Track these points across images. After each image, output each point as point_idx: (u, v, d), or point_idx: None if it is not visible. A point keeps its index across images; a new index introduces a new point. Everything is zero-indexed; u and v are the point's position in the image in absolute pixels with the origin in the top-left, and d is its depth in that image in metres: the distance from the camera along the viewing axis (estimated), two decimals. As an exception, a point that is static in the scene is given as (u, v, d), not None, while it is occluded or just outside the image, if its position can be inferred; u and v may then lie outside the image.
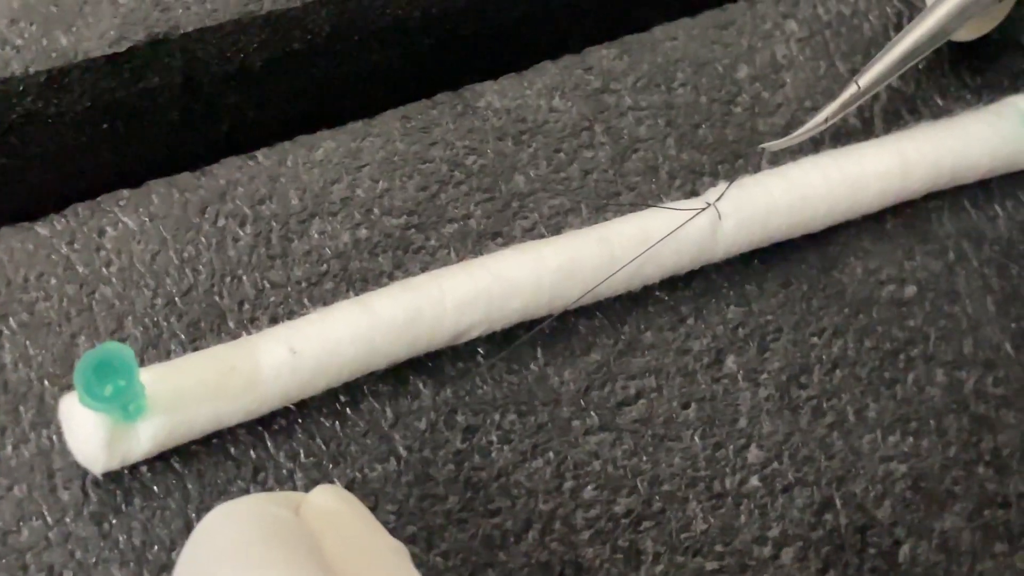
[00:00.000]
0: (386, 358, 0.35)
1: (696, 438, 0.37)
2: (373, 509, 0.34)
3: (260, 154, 0.38)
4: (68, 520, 0.33)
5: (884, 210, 0.41)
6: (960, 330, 0.40)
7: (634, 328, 0.38)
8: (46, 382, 0.34)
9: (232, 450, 0.34)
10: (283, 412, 0.35)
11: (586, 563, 0.35)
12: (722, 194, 0.38)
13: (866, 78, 0.39)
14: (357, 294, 0.36)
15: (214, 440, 0.34)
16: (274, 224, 0.37)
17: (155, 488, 0.33)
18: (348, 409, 0.35)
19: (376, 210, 0.38)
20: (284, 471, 0.34)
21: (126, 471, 0.33)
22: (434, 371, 0.36)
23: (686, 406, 0.38)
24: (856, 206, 0.40)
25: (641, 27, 0.43)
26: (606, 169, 0.40)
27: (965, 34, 0.42)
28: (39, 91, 0.37)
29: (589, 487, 0.36)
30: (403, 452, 0.35)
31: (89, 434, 0.32)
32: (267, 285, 0.36)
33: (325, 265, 0.37)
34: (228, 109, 0.41)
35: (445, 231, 0.38)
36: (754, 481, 0.37)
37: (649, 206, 0.38)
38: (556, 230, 0.39)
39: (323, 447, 0.35)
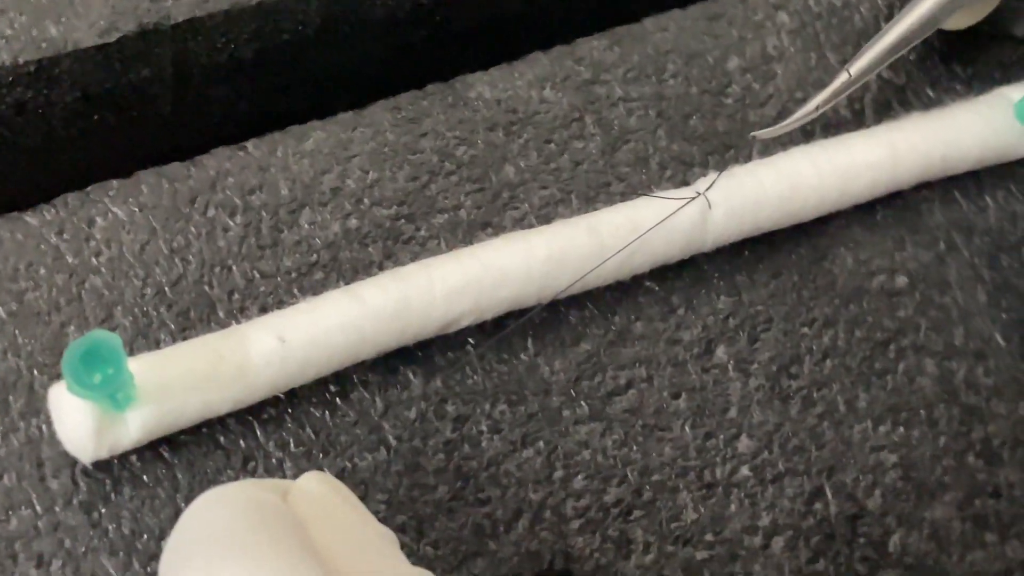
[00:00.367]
0: (376, 347, 0.35)
1: (686, 428, 0.37)
2: (363, 498, 0.34)
3: (250, 144, 0.38)
4: (57, 509, 0.33)
5: (875, 201, 0.41)
6: (951, 320, 0.40)
7: (624, 318, 0.38)
8: (35, 371, 0.34)
9: (222, 439, 0.34)
10: (273, 401, 0.35)
11: (576, 552, 0.35)
12: (712, 184, 0.38)
13: (857, 66, 0.39)
14: (347, 284, 0.36)
15: (204, 429, 0.34)
16: (264, 214, 0.37)
17: (144, 477, 0.33)
18: (338, 399, 0.35)
19: (366, 200, 0.38)
20: (274, 460, 0.34)
21: (115, 460, 0.33)
22: (424, 361, 0.36)
23: (676, 396, 0.38)
24: (846, 196, 0.40)
25: (632, 18, 0.43)
26: (596, 160, 0.40)
27: (956, 22, 0.42)
28: (29, 81, 0.37)
29: (579, 477, 0.36)
30: (393, 442, 0.35)
31: (78, 423, 0.32)
32: (257, 275, 0.36)
33: (315, 255, 0.37)
34: (219, 100, 0.41)
35: (435, 221, 0.38)
36: (744, 471, 0.37)
37: (639, 195, 0.38)
38: (546, 220, 0.39)
39: (313, 436, 0.35)
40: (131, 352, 0.34)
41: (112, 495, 0.33)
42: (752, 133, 0.39)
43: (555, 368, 0.37)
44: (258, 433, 0.35)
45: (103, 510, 0.33)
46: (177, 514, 0.33)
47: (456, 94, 0.40)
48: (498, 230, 0.38)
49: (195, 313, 0.35)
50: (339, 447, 0.35)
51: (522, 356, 0.37)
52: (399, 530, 0.34)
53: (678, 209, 0.37)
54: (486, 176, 0.39)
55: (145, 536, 0.33)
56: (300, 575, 0.23)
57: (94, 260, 0.35)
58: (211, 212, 0.37)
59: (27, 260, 0.35)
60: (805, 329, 0.39)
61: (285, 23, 0.40)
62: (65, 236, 0.35)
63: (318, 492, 0.28)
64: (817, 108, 0.39)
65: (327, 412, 0.35)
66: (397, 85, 0.40)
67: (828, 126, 0.42)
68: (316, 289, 0.36)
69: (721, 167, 0.40)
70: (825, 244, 0.40)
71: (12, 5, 0.38)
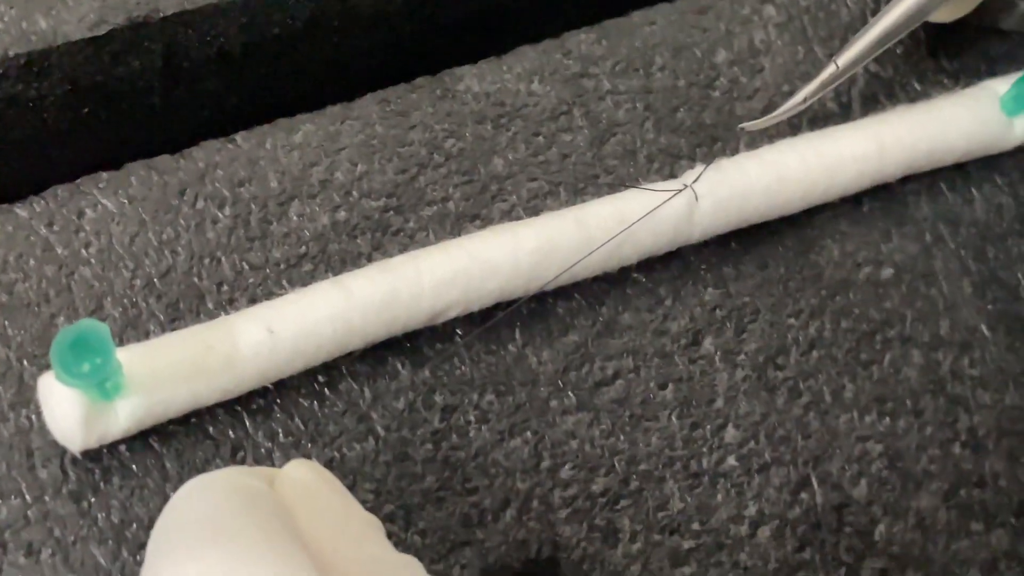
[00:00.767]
0: (364, 338, 0.35)
1: (673, 418, 0.38)
2: (351, 488, 0.34)
3: (239, 137, 0.38)
4: (47, 498, 0.33)
5: (861, 193, 0.41)
6: (937, 311, 0.41)
7: (612, 309, 0.38)
8: (25, 362, 0.34)
9: (211, 429, 0.34)
10: (261, 392, 0.35)
11: (563, 541, 0.36)
12: (699, 176, 0.38)
13: (845, 57, 0.39)
14: (336, 276, 0.36)
15: (192, 419, 0.34)
16: (253, 206, 0.37)
17: (134, 467, 0.34)
18: (326, 389, 0.36)
19: (355, 192, 0.38)
20: (262, 450, 0.35)
21: (105, 450, 0.33)
22: (412, 352, 0.36)
23: (663, 387, 0.38)
24: (833, 188, 0.40)
25: (620, 12, 0.43)
26: (584, 152, 0.40)
27: (943, 15, 0.42)
28: (19, 74, 0.37)
29: (567, 466, 0.36)
30: (381, 431, 0.36)
31: (67, 413, 0.32)
32: (246, 267, 0.36)
33: (304, 247, 0.37)
34: (208, 93, 0.41)
35: (424, 213, 0.38)
36: (731, 461, 0.38)
37: (627, 187, 0.38)
38: (534, 212, 0.39)
39: (301, 426, 0.35)
40: (120, 343, 0.35)
41: (101, 484, 0.33)
42: (740, 125, 0.39)
43: (543, 359, 0.37)
44: (247, 423, 0.35)
45: (93, 499, 0.33)
46: (164, 506, 0.33)
47: (445, 87, 0.40)
48: (486, 222, 0.39)
49: (184, 304, 0.36)
50: (327, 437, 0.35)
51: (510, 347, 0.37)
52: (387, 519, 0.34)
53: (665, 201, 0.37)
54: (474, 168, 0.39)
55: (134, 525, 0.33)
56: (284, 560, 0.23)
57: (84, 252, 0.36)
58: (200, 204, 0.37)
59: (17, 251, 0.35)
60: (792, 320, 0.39)
61: (274, 16, 0.40)
62: (55, 228, 0.36)
63: (304, 479, 0.29)
64: (805, 100, 0.39)
65: (316, 402, 0.35)
66: (386, 79, 0.40)
67: (815, 119, 0.42)
68: (305, 280, 0.36)
69: (708, 160, 0.40)
70: (812, 236, 0.41)
71: (2, -2, 0.38)
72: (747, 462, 0.38)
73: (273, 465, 0.35)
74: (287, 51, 0.41)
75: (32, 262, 0.35)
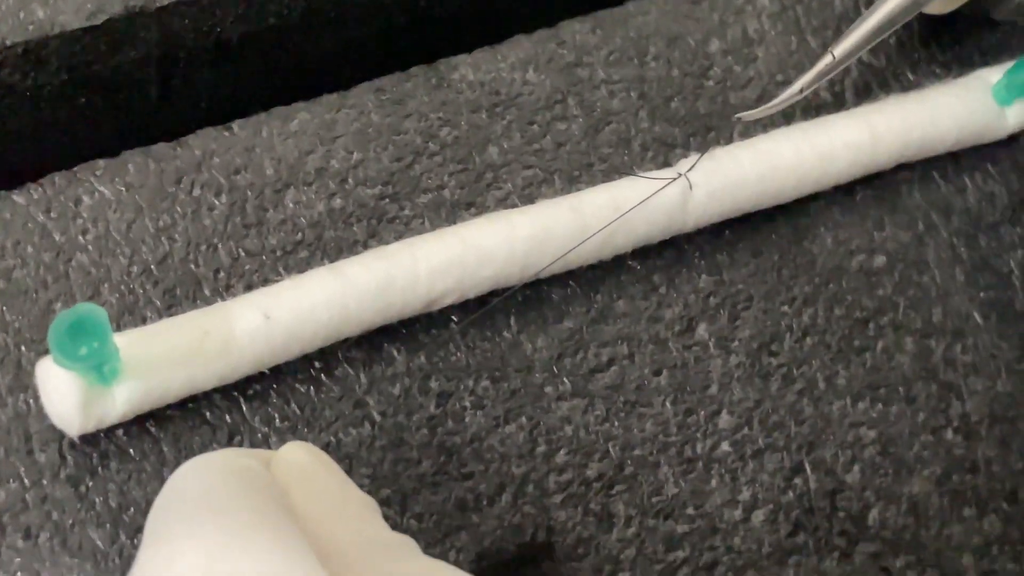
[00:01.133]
0: (360, 324, 0.35)
1: (667, 404, 0.38)
2: (348, 472, 0.34)
3: (235, 125, 0.38)
4: (45, 482, 0.33)
5: (854, 182, 0.41)
6: (929, 299, 0.41)
7: (607, 297, 0.39)
8: (23, 347, 0.34)
9: (207, 415, 0.35)
10: (258, 378, 0.35)
11: (558, 526, 0.36)
12: (693, 165, 0.38)
13: (841, 48, 0.39)
14: (332, 263, 0.36)
15: (189, 404, 0.34)
16: (249, 194, 0.37)
17: (131, 451, 0.34)
18: (323, 375, 0.36)
19: (351, 180, 0.38)
20: (259, 435, 0.35)
21: (102, 435, 0.34)
22: (408, 338, 0.37)
23: (658, 373, 0.38)
24: (826, 177, 0.40)
25: (614, 2, 0.43)
26: (579, 141, 0.40)
27: (937, 6, 0.42)
28: (16, 63, 0.38)
29: (562, 452, 0.37)
30: (377, 417, 0.36)
31: (64, 397, 0.32)
32: (242, 253, 0.37)
33: (300, 234, 0.37)
34: (205, 83, 0.42)
35: (419, 201, 0.39)
36: (725, 446, 0.38)
37: (621, 175, 0.39)
38: (529, 200, 0.39)
39: (298, 412, 0.35)
40: (118, 329, 0.35)
41: (99, 468, 0.33)
42: (736, 115, 0.39)
43: (538, 345, 0.38)
44: (244, 408, 0.35)
45: (90, 483, 0.33)
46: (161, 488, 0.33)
47: (440, 76, 0.40)
48: (481, 210, 0.39)
49: (181, 291, 0.36)
50: (324, 422, 0.35)
51: (505, 334, 0.37)
52: (383, 503, 0.35)
53: (660, 189, 0.38)
54: (470, 157, 0.39)
55: (132, 509, 0.33)
56: (278, 538, 0.23)
57: (81, 238, 0.36)
58: (197, 192, 0.37)
59: (15, 238, 0.35)
60: (785, 307, 0.40)
61: (270, 7, 0.40)
62: (52, 215, 0.36)
63: (300, 460, 0.29)
64: (801, 90, 0.39)
65: (312, 388, 0.36)
66: (382, 68, 0.40)
67: (809, 108, 0.43)
68: (301, 267, 0.37)
69: (702, 149, 0.40)
70: (805, 224, 0.41)
71: (-1, -13, 0.38)
72: (741, 448, 0.38)
73: (270, 449, 0.35)
74: (283, 41, 0.42)
75: (30, 248, 0.35)
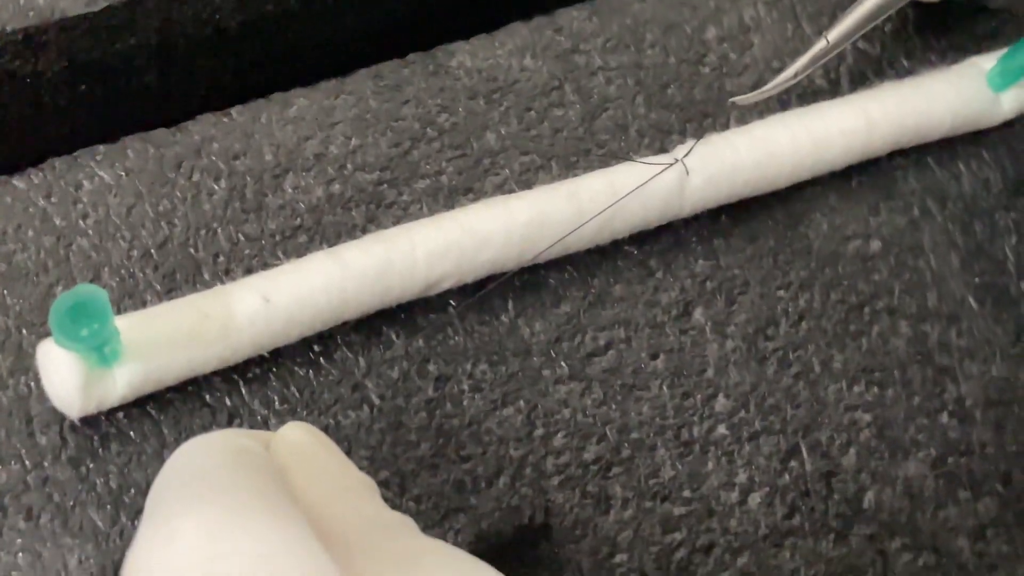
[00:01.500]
0: (358, 308, 0.36)
1: (664, 388, 0.38)
2: (347, 455, 0.35)
3: (234, 111, 0.38)
4: (46, 464, 0.33)
5: (850, 168, 0.42)
6: (924, 284, 0.41)
7: (604, 281, 0.39)
8: (24, 330, 0.34)
9: (207, 397, 0.35)
10: (257, 361, 0.35)
11: (556, 507, 0.36)
12: (689, 150, 0.39)
13: (835, 32, 0.39)
14: (330, 247, 0.37)
15: (189, 387, 0.35)
16: (248, 179, 0.38)
17: (132, 434, 0.34)
18: (322, 358, 0.36)
19: (349, 166, 0.39)
20: (258, 417, 0.35)
21: (103, 417, 0.34)
22: (406, 322, 0.37)
23: (655, 357, 0.38)
24: (821, 163, 0.41)
25: (611, -10, 0.43)
26: (576, 127, 0.41)
27: (931, -7, 0.43)
28: (16, 50, 0.38)
29: (559, 435, 0.37)
30: (376, 400, 0.36)
31: (65, 379, 0.32)
32: (241, 238, 0.37)
33: (299, 219, 0.38)
34: (204, 71, 0.42)
35: (417, 187, 0.39)
36: (721, 429, 0.38)
37: (618, 160, 0.39)
38: (527, 186, 0.39)
39: (297, 395, 0.36)
40: (118, 312, 0.35)
41: (100, 450, 0.34)
42: (731, 99, 0.40)
43: (535, 329, 0.38)
44: (243, 391, 0.35)
45: (91, 465, 0.33)
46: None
47: (437, 63, 0.41)
48: (479, 195, 0.39)
49: (181, 275, 0.36)
50: (323, 405, 0.36)
51: (503, 318, 0.38)
52: (382, 485, 0.35)
53: (656, 175, 0.38)
54: (467, 143, 0.40)
55: (132, 490, 0.33)
56: (275, 514, 0.24)
57: (81, 223, 0.36)
58: (196, 177, 0.37)
59: (15, 222, 0.36)
60: (781, 292, 0.40)
61: (269, -6, 0.41)
62: (53, 199, 0.36)
63: (299, 440, 0.29)
64: (796, 75, 0.39)
65: (311, 371, 0.36)
66: (380, 55, 0.41)
67: (804, 95, 0.43)
68: (300, 252, 0.37)
69: (699, 135, 0.41)
70: (801, 210, 0.41)
71: (-1, -26, 0.38)
72: (737, 431, 0.38)
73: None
74: (282, 29, 0.42)
75: (30, 233, 0.36)
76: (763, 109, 0.42)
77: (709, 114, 0.42)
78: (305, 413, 0.35)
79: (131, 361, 0.33)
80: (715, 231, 0.40)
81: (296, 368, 0.36)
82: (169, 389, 0.34)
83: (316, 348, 0.36)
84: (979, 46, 0.44)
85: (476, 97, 0.40)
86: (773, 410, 0.38)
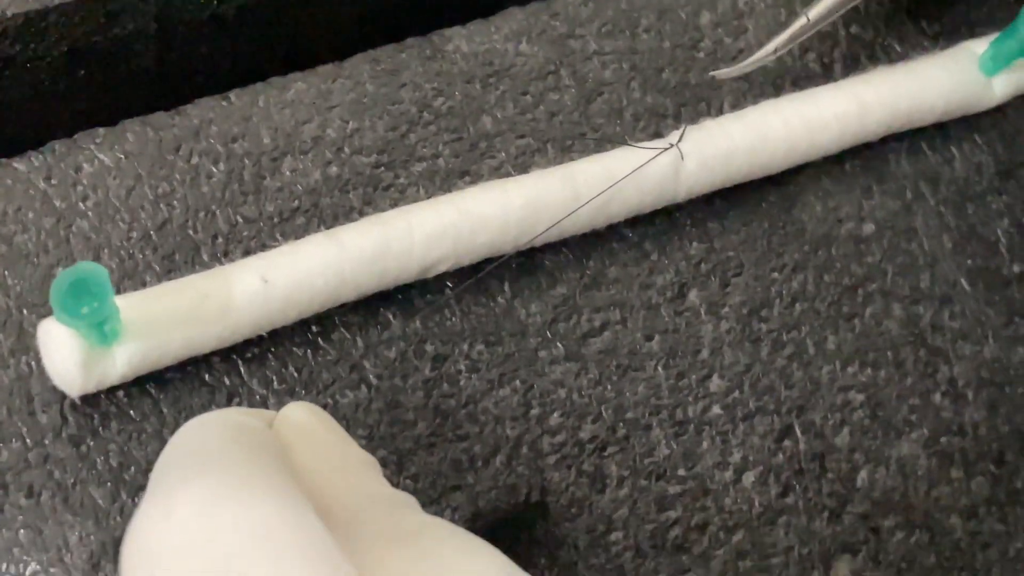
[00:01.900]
0: (356, 289, 0.36)
1: (659, 368, 0.38)
2: (344, 434, 0.35)
3: (233, 94, 0.39)
4: (47, 442, 0.34)
5: (843, 152, 0.42)
6: (917, 266, 0.41)
7: (599, 263, 0.39)
8: (24, 311, 0.35)
9: (207, 377, 0.35)
10: (256, 341, 0.36)
11: (552, 486, 0.36)
12: (682, 135, 0.39)
13: (815, 11, 0.40)
14: (328, 229, 0.37)
15: (189, 367, 0.35)
16: (247, 162, 0.38)
17: (132, 412, 0.34)
18: (320, 339, 0.36)
19: (346, 149, 0.39)
20: (257, 397, 0.35)
21: (103, 396, 0.34)
22: (404, 303, 0.37)
23: (650, 338, 0.39)
24: (815, 147, 0.41)
25: (606, -25, 0.44)
26: (572, 111, 0.41)
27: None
28: (16, 35, 0.38)
29: (555, 414, 0.37)
30: (374, 380, 0.36)
31: (66, 357, 0.32)
32: (240, 220, 0.37)
33: (296, 201, 0.38)
34: (202, 57, 0.42)
35: (414, 169, 0.39)
36: (716, 409, 0.38)
37: (613, 143, 0.39)
38: (523, 169, 0.40)
39: (295, 374, 0.36)
40: (118, 293, 0.35)
41: (100, 429, 0.34)
42: (711, 72, 0.40)
43: (531, 311, 0.38)
44: (242, 371, 0.35)
45: (91, 443, 0.34)
46: (163, 447, 0.34)
47: (434, 47, 0.41)
48: (475, 178, 0.39)
49: (180, 256, 0.36)
50: (321, 384, 0.36)
51: (499, 299, 0.38)
52: (380, 464, 0.35)
53: (651, 159, 0.38)
54: (464, 126, 0.40)
55: (132, 468, 0.34)
56: (274, 489, 0.24)
57: (81, 204, 0.36)
58: (195, 159, 0.38)
59: (16, 204, 0.36)
60: (775, 274, 0.40)
61: (267, -20, 0.41)
62: (53, 181, 0.36)
63: (302, 420, 0.29)
64: (776, 51, 0.40)
65: (309, 351, 0.36)
66: (377, 40, 0.41)
67: (797, 80, 0.43)
68: (298, 234, 0.37)
69: (693, 119, 0.41)
70: (795, 193, 0.41)
71: (0, -41, 0.38)
72: (732, 411, 0.38)
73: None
74: (280, 14, 0.42)
75: (31, 214, 0.36)
76: (757, 94, 0.42)
77: (703, 98, 0.42)
78: (303, 393, 0.36)
79: (131, 340, 0.33)
80: (709, 214, 0.41)
81: (294, 348, 0.36)
82: (169, 368, 0.35)
83: (314, 329, 0.36)
84: (971, 31, 0.45)
85: (472, 81, 0.41)
86: (767, 390, 0.39)
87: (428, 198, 0.38)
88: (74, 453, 0.34)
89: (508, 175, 0.39)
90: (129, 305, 0.33)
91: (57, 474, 0.33)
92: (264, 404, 0.35)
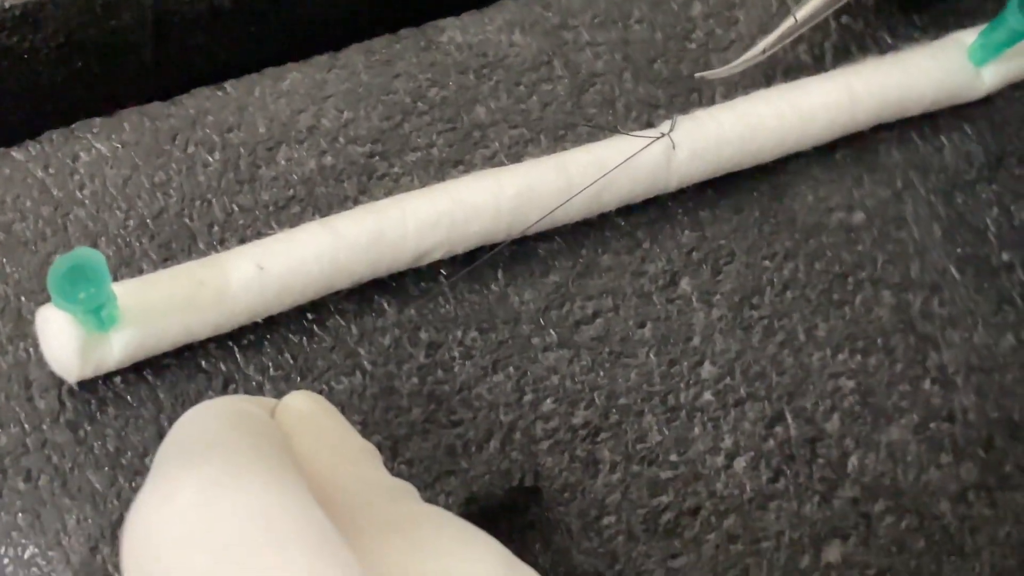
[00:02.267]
0: (350, 277, 0.36)
1: (651, 355, 0.39)
2: (340, 420, 0.36)
3: (228, 85, 0.39)
4: (45, 427, 0.34)
5: (834, 142, 0.42)
6: (907, 254, 0.42)
7: (592, 252, 0.40)
8: (23, 298, 0.35)
9: (203, 363, 0.36)
10: (252, 328, 0.36)
11: (545, 471, 0.37)
12: (673, 124, 0.39)
13: (803, 11, 0.40)
14: (323, 218, 0.37)
15: (185, 354, 0.35)
16: (242, 151, 0.38)
17: (129, 398, 0.35)
18: (315, 326, 0.37)
19: (341, 139, 0.39)
20: (253, 383, 0.36)
21: (100, 382, 0.35)
22: (398, 291, 0.38)
23: (642, 325, 0.39)
24: (805, 137, 0.41)
25: (598, -33, 0.44)
26: (564, 102, 0.41)
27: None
28: (14, 26, 0.38)
29: (548, 400, 0.38)
30: (368, 366, 0.37)
31: (64, 343, 0.33)
32: (236, 208, 0.38)
33: (292, 190, 0.38)
34: (199, 48, 0.43)
35: (408, 159, 0.40)
36: (707, 396, 0.39)
37: (605, 132, 0.40)
38: (516, 159, 0.40)
39: (291, 361, 0.36)
40: (114, 281, 0.36)
41: (97, 414, 0.34)
42: (698, 74, 0.40)
43: (525, 298, 0.39)
44: (238, 358, 0.36)
45: (89, 428, 0.34)
46: (160, 433, 0.34)
47: (428, 38, 0.41)
48: (469, 168, 0.40)
49: (176, 244, 0.37)
50: (316, 371, 0.36)
51: (493, 287, 0.38)
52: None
53: (643, 148, 0.39)
54: (457, 116, 0.40)
55: (129, 453, 0.34)
56: (274, 475, 0.24)
57: (78, 193, 0.37)
58: (191, 149, 0.38)
59: (14, 193, 0.36)
60: (766, 262, 0.41)
61: (262, -28, 0.41)
62: (50, 170, 0.37)
63: (304, 409, 0.29)
64: (764, 51, 0.40)
65: (304, 338, 0.37)
66: (371, 31, 0.41)
67: (789, 70, 0.43)
68: (293, 222, 0.38)
69: (685, 110, 0.41)
70: (785, 182, 0.42)
71: (-3, -49, 0.39)
72: (723, 397, 0.39)
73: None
74: (275, 5, 0.43)
75: (29, 203, 0.36)
76: (748, 84, 0.43)
77: (695, 89, 0.43)
78: (299, 379, 0.36)
79: (128, 326, 0.33)
80: (701, 203, 0.41)
81: (290, 335, 0.36)
82: (165, 355, 0.35)
83: (310, 316, 0.37)
84: (961, 23, 0.45)
85: (466, 72, 0.41)
86: (758, 377, 0.39)
87: (422, 187, 0.38)
88: (72, 438, 0.34)
89: (501, 164, 0.40)
90: (126, 292, 0.33)
91: (55, 459, 0.34)
92: (260, 390, 0.36)
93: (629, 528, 0.37)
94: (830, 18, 0.44)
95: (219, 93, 0.39)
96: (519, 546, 0.36)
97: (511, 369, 0.38)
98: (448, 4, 0.43)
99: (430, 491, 0.36)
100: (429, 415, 0.37)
